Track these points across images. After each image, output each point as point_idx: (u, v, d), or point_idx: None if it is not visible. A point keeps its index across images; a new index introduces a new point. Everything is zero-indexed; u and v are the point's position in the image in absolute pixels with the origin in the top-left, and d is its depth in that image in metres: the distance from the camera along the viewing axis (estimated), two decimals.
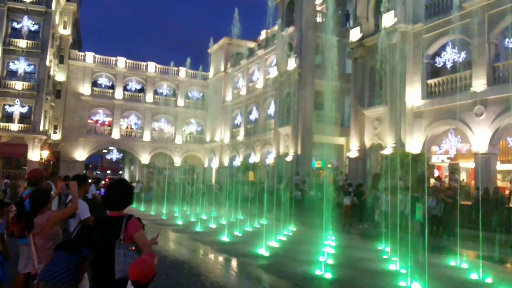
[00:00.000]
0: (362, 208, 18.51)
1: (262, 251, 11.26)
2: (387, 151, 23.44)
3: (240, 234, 14.92)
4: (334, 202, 22.07)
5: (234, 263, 10.26)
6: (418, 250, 10.35)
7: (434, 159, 23.85)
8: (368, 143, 26.41)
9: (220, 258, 10.78)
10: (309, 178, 28.50)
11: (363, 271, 9.68)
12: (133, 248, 3.81)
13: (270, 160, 35.52)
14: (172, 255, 10.60)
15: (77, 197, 4.70)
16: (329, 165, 31.65)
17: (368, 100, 26.57)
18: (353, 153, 27.09)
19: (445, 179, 23.20)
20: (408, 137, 23.45)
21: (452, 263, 10.61)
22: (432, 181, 21.04)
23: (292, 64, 33.09)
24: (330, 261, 10.21)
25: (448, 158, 23.21)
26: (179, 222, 18.79)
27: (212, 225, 17.41)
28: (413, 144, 23.10)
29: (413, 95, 23.59)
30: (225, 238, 13.66)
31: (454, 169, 23.11)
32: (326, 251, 11.18)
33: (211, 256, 11.14)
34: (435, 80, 22.94)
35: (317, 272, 8.99)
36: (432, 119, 22.63)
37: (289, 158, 31.83)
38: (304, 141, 31.49)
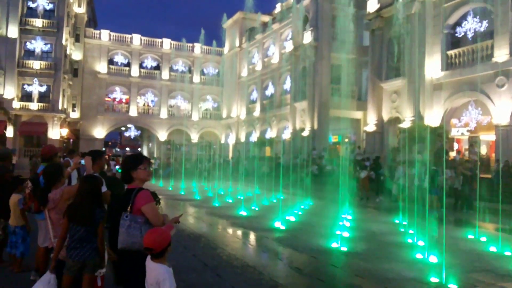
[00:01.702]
0: (379, 182, 18.39)
1: (279, 224, 11.34)
2: (405, 124, 23.11)
3: (257, 209, 15.03)
4: (351, 176, 22.07)
5: (250, 236, 10.37)
6: (435, 223, 10.30)
7: (454, 132, 23.44)
8: (386, 116, 26.06)
9: (237, 232, 10.89)
10: (326, 153, 28.39)
11: (380, 244, 9.67)
12: (141, 220, 3.83)
13: (287, 135, 35.43)
14: (190, 229, 10.76)
15: (91, 171, 4.74)
16: (346, 140, 31.41)
17: (386, 72, 26.08)
18: (371, 127, 26.79)
19: (465, 152, 22.85)
20: (427, 110, 23.03)
21: (470, 236, 10.52)
22: (451, 154, 20.74)
23: (308, 37, 32.55)
24: (346, 234, 10.22)
25: (468, 131, 22.79)
26: (197, 197, 19.01)
27: (229, 200, 17.56)
28: (432, 117, 22.70)
29: (433, 66, 23.04)
30: (242, 212, 13.78)
31: (474, 142, 22.72)
32: (343, 224, 11.20)
33: (228, 229, 11.26)
34: (456, 50, 22.32)
35: (333, 245, 9.02)
36: (452, 91, 22.14)
37: (305, 133, 31.69)
38: (320, 116, 31.23)
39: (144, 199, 3.87)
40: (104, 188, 5.49)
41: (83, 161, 5.04)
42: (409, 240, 9.94)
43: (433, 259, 7.88)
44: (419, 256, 8.24)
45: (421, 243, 9.40)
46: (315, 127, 31.25)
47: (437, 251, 7.97)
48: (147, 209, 3.86)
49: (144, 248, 3.31)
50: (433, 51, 23.10)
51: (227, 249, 8.45)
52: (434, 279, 6.59)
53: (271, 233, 10.40)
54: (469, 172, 15.34)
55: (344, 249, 8.77)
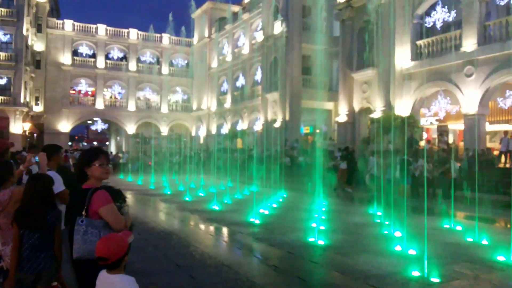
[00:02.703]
0: (351, 172, 18.33)
1: (253, 219, 11.01)
2: (376, 114, 23.17)
3: (229, 203, 14.65)
4: (324, 168, 21.99)
5: (224, 232, 9.98)
6: (410, 213, 10.20)
7: (423, 122, 23.69)
8: (357, 107, 26.09)
9: (210, 228, 10.48)
10: (298, 144, 28.25)
11: (357, 236, 9.48)
12: (100, 224, 3.38)
13: (258, 127, 35.11)
14: (160, 226, 10.29)
15: (45, 169, 4.23)
16: (318, 131, 31.36)
17: (357, 63, 26.06)
18: (342, 117, 26.79)
19: (434, 141, 23.12)
20: (397, 100, 23.15)
21: (446, 225, 10.48)
22: (421, 143, 20.92)
23: (278, 27, 32.19)
24: (323, 227, 9.99)
25: (437, 120, 23.07)
26: (168, 191, 18.47)
27: (201, 194, 17.11)
28: (402, 107, 22.83)
29: (402, 56, 23.14)
30: (214, 206, 13.38)
31: (443, 131, 23.02)
32: (318, 217, 10.98)
33: (201, 226, 10.85)
34: (425, 40, 22.44)
35: (310, 239, 8.76)
36: (422, 81, 22.28)
37: (277, 125, 31.45)
38: (292, 107, 31.04)
39: (102, 200, 3.40)
40: (61, 187, 4.95)
41: (37, 158, 4.51)
42: (386, 232, 9.80)
43: (412, 251, 7.73)
44: (397, 248, 8.07)
45: (398, 234, 9.27)
46: (287, 118, 31.05)
47: (415, 242, 7.82)
48: (106, 211, 3.40)
49: (97, 257, 2.85)
50: (403, 41, 23.17)
51: (200, 247, 8.04)
52: (415, 273, 6.40)
53: (245, 228, 10.05)
54: (446, 165, 15.38)
55: (321, 242, 8.52)
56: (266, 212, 12.55)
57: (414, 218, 9.78)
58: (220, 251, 7.96)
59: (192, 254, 7.50)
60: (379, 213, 12.08)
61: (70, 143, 71.78)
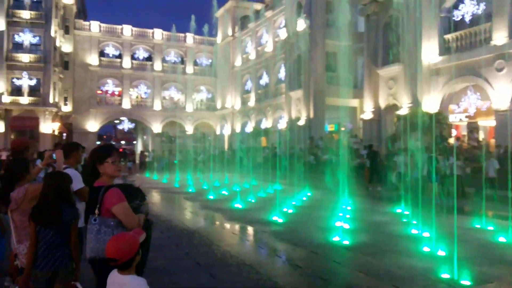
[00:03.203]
0: (377, 171, 17.94)
1: (276, 217, 10.85)
2: (403, 111, 22.65)
3: (253, 201, 14.54)
4: (349, 166, 21.63)
5: (246, 231, 9.87)
6: (439, 212, 9.85)
7: (452, 118, 23.00)
8: (383, 104, 25.57)
9: (232, 226, 10.38)
10: (322, 142, 27.91)
11: (383, 236, 9.21)
12: (113, 223, 3.31)
13: (282, 125, 34.90)
14: (183, 224, 10.26)
15: (61, 167, 4.19)
16: (343, 128, 30.93)
17: (382, 59, 25.54)
18: (367, 114, 26.31)
19: (463, 139, 22.44)
20: (425, 96, 22.55)
21: (477, 225, 10.08)
22: (450, 141, 20.32)
23: (301, 24, 31.87)
24: (347, 226, 9.76)
25: (466, 116, 22.36)
26: (191, 190, 18.50)
27: (225, 192, 17.06)
28: (430, 103, 22.24)
29: (430, 51, 22.52)
30: (238, 205, 13.29)
31: (473, 128, 22.31)
32: (343, 215, 10.74)
33: (223, 224, 10.76)
34: (453, 34, 21.80)
35: (334, 238, 8.55)
36: (450, 76, 21.65)
37: (301, 123, 31.17)
38: (316, 105, 30.69)
39: (115, 198, 3.32)
40: (80, 184, 4.92)
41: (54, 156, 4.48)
42: (413, 231, 9.49)
43: (441, 252, 7.43)
44: (426, 249, 7.77)
45: (426, 234, 8.95)
46: (311, 116, 30.73)
47: (444, 243, 7.51)
48: (119, 209, 3.32)
49: (107, 258, 2.77)
50: (430, 35, 22.55)
51: (222, 245, 7.95)
52: (444, 275, 6.12)
53: (268, 226, 9.91)
54: (478, 164, 14.84)
55: (345, 242, 8.30)
56: (290, 211, 12.38)
57: (443, 218, 9.43)
58: (242, 250, 7.85)
59: (214, 252, 7.41)
60: (406, 212, 11.73)
61: (98, 142, 73.27)
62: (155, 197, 16.92)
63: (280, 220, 10.69)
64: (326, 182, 17.23)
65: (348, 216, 11.28)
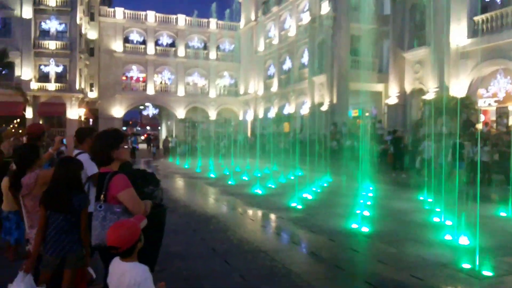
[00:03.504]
0: (400, 157, 17.56)
1: (295, 204, 10.76)
2: (429, 96, 22.03)
3: (273, 187, 14.48)
4: (373, 151, 21.26)
5: (264, 217, 9.83)
6: (464, 200, 9.55)
7: (481, 103, 22.22)
8: (408, 88, 24.94)
9: (250, 212, 10.36)
10: (346, 128, 27.50)
11: (404, 223, 9.01)
12: (119, 210, 3.26)
13: (305, 110, 34.56)
14: (201, 209, 10.29)
15: (71, 152, 4.19)
16: (367, 114, 30.38)
17: (409, 42, 24.82)
18: (392, 99, 25.74)
19: (492, 124, 21.71)
20: (453, 80, 21.84)
21: (502, 213, 9.74)
22: (478, 126, 19.68)
23: (325, 7, 31.22)
24: (367, 214, 9.59)
25: (496, 101, 21.57)
26: (212, 175, 18.58)
27: (245, 178, 17.04)
28: (458, 88, 21.53)
29: (458, 34, 21.72)
30: (257, 190, 13.25)
31: (502, 113, 21.54)
32: (363, 202, 10.57)
33: (241, 210, 10.74)
34: (483, 16, 20.93)
35: (353, 225, 8.40)
36: (479, 59, 20.86)
37: (324, 108, 30.78)
38: (339, 90, 30.18)
39: (121, 184, 3.28)
40: (95, 169, 4.92)
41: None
42: (436, 219, 9.25)
43: (463, 241, 7.20)
44: (447, 237, 7.55)
45: (449, 222, 8.71)
46: (334, 101, 30.27)
47: (467, 232, 7.27)
48: (125, 196, 3.28)
49: (108, 246, 2.74)
50: (459, 17, 21.72)
51: (238, 231, 7.92)
52: (466, 265, 5.92)
53: (286, 213, 9.84)
54: (508, 149, 14.32)
55: (365, 230, 8.15)
56: (310, 197, 12.25)
57: (468, 206, 9.14)
58: (258, 236, 7.80)
59: (230, 238, 7.39)
60: (429, 200, 11.45)
61: (125, 128, 74.58)
62: (175, 182, 17.09)
63: (299, 207, 10.59)
64: (348, 168, 17.01)
65: (369, 203, 11.09)
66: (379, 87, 30.21)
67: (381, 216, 9.78)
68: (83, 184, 3.76)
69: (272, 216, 9.65)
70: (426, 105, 20.51)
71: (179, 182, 17.14)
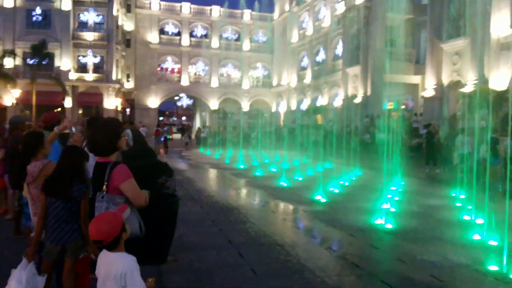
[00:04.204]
0: (433, 151, 16.95)
1: (320, 197, 10.54)
2: (468, 88, 21.12)
3: (300, 179, 14.28)
4: (407, 145, 20.63)
5: (286, 210, 9.69)
6: (497, 198, 9.07)
7: None
8: (446, 80, 24.01)
9: (272, 205, 10.24)
10: (379, 120, 26.82)
11: (431, 221, 8.64)
12: (121, 201, 3.22)
13: (338, 102, 33.99)
14: (224, 200, 10.25)
15: (80, 142, 4.18)
16: (403, 106, 29.53)
17: (447, 32, 23.84)
18: (429, 92, 24.86)
19: None
20: (493, 72, 20.80)
21: None
22: None
23: None
24: (393, 209, 9.27)
25: None
26: (241, 166, 18.56)
27: (273, 170, 16.91)
28: (498, 80, 20.49)
29: (500, 24, 20.61)
30: (283, 183, 13.10)
31: None
32: (391, 197, 10.24)
33: (264, 202, 10.64)
34: None
35: (377, 221, 8.14)
36: None
37: (358, 100, 30.14)
38: (374, 81, 29.43)
39: (122, 175, 3.24)
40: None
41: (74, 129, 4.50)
42: (466, 217, 8.83)
43: (492, 241, 6.81)
44: (476, 237, 7.18)
45: (480, 221, 8.28)
46: (368, 93, 29.57)
47: (498, 231, 6.88)
48: (127, 187, 3.24)
49: (92, 241, 2.69)
50: (501, 6, 20.60)
51: (257, 224, 7.81)
52: (492, 267, 5.59)
53: (309, 206, 9.65)
54: None
55: (388, 226, 7.87)
56: (336, 190, 11.99)
57: (503, 204, 8.66)
58: (276, 229, 7.66)
59: (248, 231, 7.30)
60: (462, 196, 10.97)
61: (161, 118, 75.98)
62: (203, 173, 17.21)
63: (324, 200, 10.38)
64: (379, 162, 16.55)
65: (396, 198, 10.76)
66: (416, 79, 29.26)
67: (408, 212, 9.45)
68: (86, 174, 3.74)
69: (294, 209, 9.50)
70: (464, 98, 19.66)
71: (207, 173, 17.24)
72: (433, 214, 9.28)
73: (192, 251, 6.03)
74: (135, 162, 6.34)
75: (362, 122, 27.10)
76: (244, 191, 12.27)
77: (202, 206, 9.43)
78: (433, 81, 24.70)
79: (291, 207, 9.76)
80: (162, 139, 33.16)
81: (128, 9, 49.02)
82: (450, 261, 5.97)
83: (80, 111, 45.08)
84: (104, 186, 3.22)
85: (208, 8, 51.20)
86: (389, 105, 32.28)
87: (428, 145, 16.93)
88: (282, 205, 10.12)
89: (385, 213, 8.37)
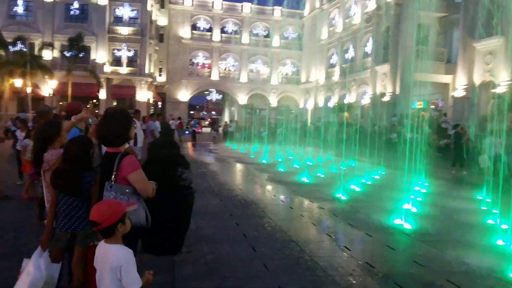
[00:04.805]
0: (460, 153, 16.56)
1: (340, 195, 10.50)
2: (500, 89, 20.47)
3: (322, 176, 14.23)
4: (435, 146, 20.22)
5: (304, 206, 9.68)
6: None
7: None
8: (477, 80, 23.34)
9: (292, 200, 10.25)
10: (408, 119, 26.32)
11: (453, 223, 8.46)
12: (129, 191, 3.32)
13: (366, 100, 33.55)
14: (244, 194, 10.34)
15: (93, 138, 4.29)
16: (432, 106, 28.88)
17: (480, 31, 23.12)
18: (459, 92, 24.25)
19: None
20: None
21: None
22: None
23: None
24: (415, 210, 9.14)
25: None
26: (265, 161, 18.64)
27: (296, 166, 16.90)
28: None
29: None
30: (304, 179, 13.09)
31: None
32: (414, 198, 10.09)
33: (283, 197, 10.67)
34: None
35: (396, 221, 8.04)
36: None
37: (386, 98, 29.66)
38: (403, 80, 28.88)
39: (131, 166, 3.33)
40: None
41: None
42: (490, 221, 8.61)
43: None
44: (499, 242, 6.99)
45: (504, 226, 8.06)
46: (397, 91, 29.05)
47: None
48: (135, 177, 3.33)
49: (90, 220, 2.78)
50: None
51: (274, 219, 7.86)
52: None
53: (329, 203, 9.62)
54: None
55: (407, 227, 7.76)
56: (358, 189, 11.90)
57: None
58: (292, 225, 7.68)
59: (264, 225, 7.36)
60: (488, 200, 10.69)
61: (192, 112, 76.90)
62: (226, 166, 17.38)
63: (344, 198, 10.32)
64: (405, 162, 16.28)
65: (419, 199, 10.59)
66: (447, 78, 28.55)
67: (429, 213, 9.29)
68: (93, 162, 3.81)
69: (313, 206, 9.49)
70: (496, 98, 19.09)
71: (230, 166, 17.40)
72: (455, 217, 9.08)
73: (206, 243, 6.14)
74: (157, 152, 6.53)
75: (390, 121, 26.66)
76: (264, 186, 12.33)
77: (221, 199, 9.56)
78: (464, 81, 24.07)
79: (310, 203, 9.75)
80: (187, 132, 33.77)
81: (162, 4, 49.80)
82: (469, 266, 5.84)
83: (114, 103, 46.18)
84: (113, 176, 3.32)
85: (239, 4, 51.48)
86: (419, 105, 31.62)
87: (455, 146, 16.54)
88: (301, 201, 10.13)
89: (405, 214, 8.26)
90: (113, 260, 2.67)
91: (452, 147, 16.90)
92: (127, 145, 4.33)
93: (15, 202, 8.49)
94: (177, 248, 5.61)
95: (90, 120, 5.09)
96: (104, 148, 3.59)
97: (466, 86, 23.94)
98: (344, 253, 6.24)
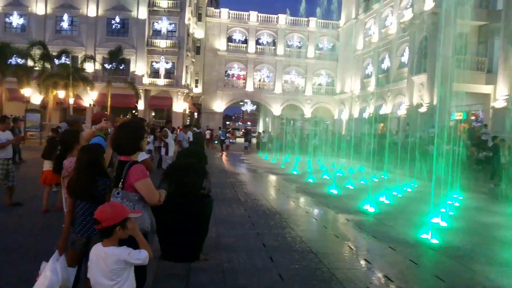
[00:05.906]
0: (498, 166, 15.91)
1: (368, 207, 10.32)
2: None
3: (351, 187, 14.04)
4: (473, 159, 19.54)
5: (329, 217, 9.59)
6: None
7: None
8: None
9: (317, 212, 10.18)
10: (446, 131, 25.54)
11: (483, 239, 8.15)
12: (135, 198, 3.45)
13: (402, 111, 32.86)
14: (269, 204, 10.35)
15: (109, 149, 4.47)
16: (473, 117, 27.92)
17: None
18: (500, 102, 23.37)
19: None
20: None
21: None
22: None
23: (429, 3, 29.27)
24: (444, 224, 8.87)
25: None
26: (295, 172, 18.58)
27: (326, 177, 16.75)
28: None
29: None
30: (333, 190, 12.96)
31: None
32: (445, 212, 9.80)
33: (309, 209, 10.59)
34: None
35: (423, 235, 7.83)
36: None
37: (423, 109, 28.95)
38: (441, 90, 28.07)
39: (138, 174, 3.45)
40: (144, 156, 5.13)
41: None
42: None
43: None
44: None
45: None
46: (435, 102, 28.29)
47: None
48: (141, 185, 3.45)
49: (94, 219, 2.91)
50: None
51: (296, 230, 7.83)
52: None
53: (355, 215, 9.47)
54: None
55: (434, 241, 7.53)
56: (387, 201, 11.65)
57: None
58: (314, 236, 7.62)
59: (285, 236, 7.34)
60: None
61: (228, 122, 77.77)
62: (255, 176, 17.46)
63: (372, 210, 10.14)
64: (440, 174, 15.79)
65: (451, 213, 10.25)
66: (487, 88, 27.57)
67: (460, 228, 8.99)
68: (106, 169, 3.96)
69: (338, 218, 9.37)
70: None
71: (259, 176, 17.46)
72: (487, 232, 8.74)
73: (225, 251, 6.20)
74: (185, 160, 6.72)
75: (427, 132, 25.95)
76: (291, 197, 12.29)
77: (246, 208, 9.62)
78: (505, 91, 23.19)
79: (334, 215, 9.65)
80: (216, 142, 34.52)
81: (199, 18, 50.98)
82: (497, 284, 5.61)
83: (153, 114, 47.53)
84: (120, 183, 3.46)
85: (274, 16, 51.87)
86: (458, 116, 30.68)
87: (494, 159, 15.93)
88: (326, 212, 10.03)
89: (433, 228, 8.02)
90: (114, 256, 2.81)
91: (491, 159, 16.26)
92: (146, 156, 4.49)
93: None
94: (195, 256, 5.69)
95: (110, 130, 5.29)
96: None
97: (507, 97, 23.04)
98: (364, 266, 6.14)
